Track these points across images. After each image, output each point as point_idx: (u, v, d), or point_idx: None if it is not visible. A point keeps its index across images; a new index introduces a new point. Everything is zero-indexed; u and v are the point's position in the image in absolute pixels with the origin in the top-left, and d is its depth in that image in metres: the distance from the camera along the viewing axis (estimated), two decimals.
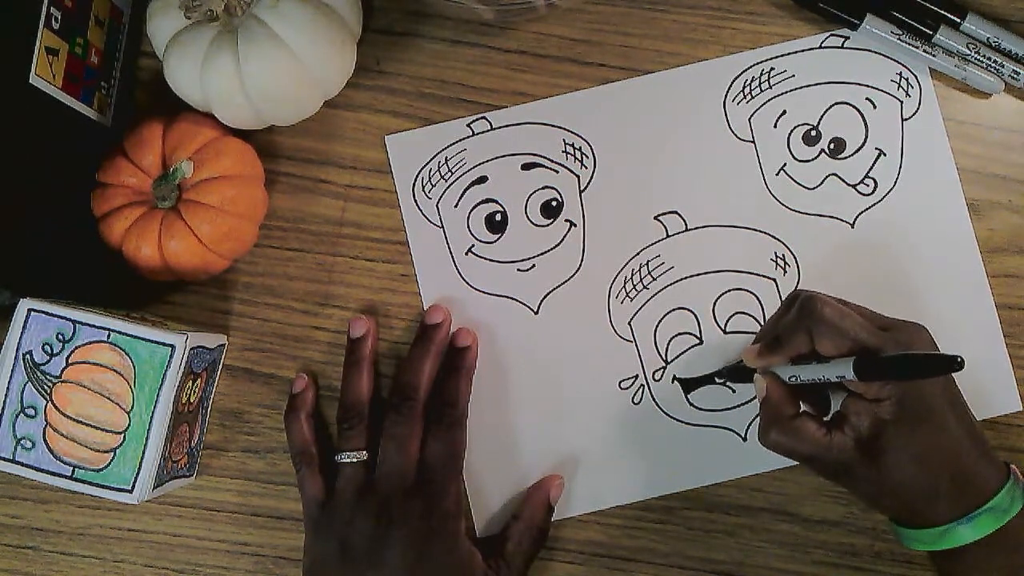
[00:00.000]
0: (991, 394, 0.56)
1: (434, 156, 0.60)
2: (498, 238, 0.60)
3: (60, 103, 0.53)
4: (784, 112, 0.60)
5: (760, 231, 0.60)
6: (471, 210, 0.60)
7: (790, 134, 0.60)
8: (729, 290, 0.59)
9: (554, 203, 0.60)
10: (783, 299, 0.59)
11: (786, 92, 0.60)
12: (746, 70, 0.60)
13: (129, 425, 0.51)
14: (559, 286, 0.60)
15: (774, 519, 0.59)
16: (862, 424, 0.49)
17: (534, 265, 0.60)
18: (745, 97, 0.60)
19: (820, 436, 0.50)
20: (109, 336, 0.51)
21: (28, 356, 0.51)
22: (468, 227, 0.60)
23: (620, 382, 0.59)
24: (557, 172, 0.60)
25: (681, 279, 0.59)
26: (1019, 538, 0.49)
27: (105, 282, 0.58)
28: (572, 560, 0.59)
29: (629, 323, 0.59)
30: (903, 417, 0.49)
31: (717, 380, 0.58)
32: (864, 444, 0.49)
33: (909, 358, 0.47)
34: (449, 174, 0.60)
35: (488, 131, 0.60)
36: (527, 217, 0.60)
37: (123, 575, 0.60)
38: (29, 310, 0.51)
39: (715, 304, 0.59)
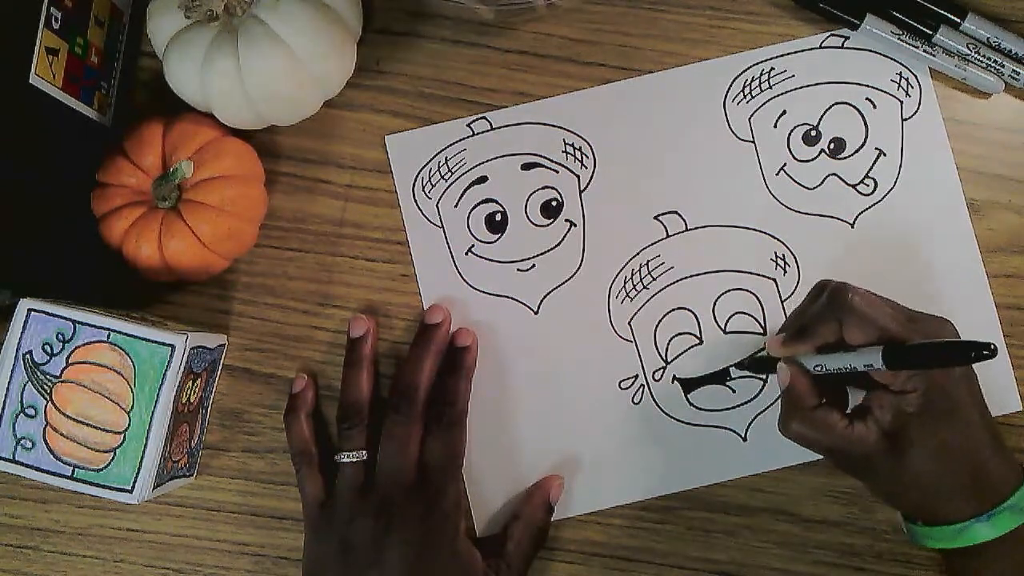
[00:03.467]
0: (991, 394, 0.56)
1: (434, 156, 0.60)
2: (498, 238, 0.60)
3: (60, 103, 0.53)
4: (784, 112, 0.60)
5: (760, 231, 0.60)
6: (471, 210, 0.60)
7: (790, 134, 0.60)
8: (729, 290, 0.59)
9: (554, 203, 0.60)
10: (782, 299, 0.59)
11: (786, 92, 0.60)
12: (746, 70, 0.60)
13: (129, 425, 0.51)
14: (559, 286, 0.60)
15: (774, 519, 0.59)
16: (885, 417, 0.49)
17: (534, 265, 0.60)
18: (745, 97, 0.60)
19: (842, 427, 0.50)
20: (109, 336, 0.51)
21: (28, 356, 0.51)
22: (468, 227, 0.60)
23: (620, 382, 0.59)
24: (557, 172, 0.60)
25: (681, 279, 0.59)
26: None
27: (105, 282, 0.58)
28: (572, 560, 0.59)
29: (629, 323, 0.59)
30: (927, 411, 0.49)
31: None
32: (887, 436, 0.49)
33: (941, 346, 0.47)
34: (449, 174, 0.60)
35: (488, 131, 0.60)
36: (527, 217, 0.60)
37: (123, 575, 0.60)
38: (29, 310, 0.51)
39: (715, 304, 0.59)
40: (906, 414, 0.49)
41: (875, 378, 0.50)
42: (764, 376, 0.59)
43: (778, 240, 0.59)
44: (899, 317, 0.50)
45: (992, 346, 0.44)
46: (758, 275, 0.59)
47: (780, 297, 0.59)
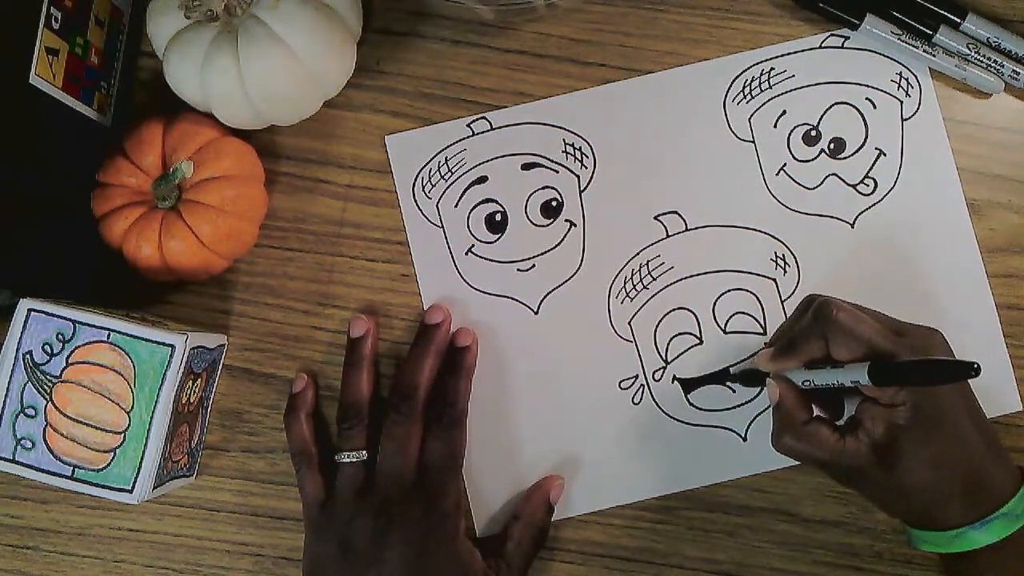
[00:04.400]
0: (991, 394, 0.56)
1: (434, 156, 0.60)
2: (498, 238, 0.60)
3: (60, 103, 0.53)
4: (784, 112, 0.60)
5: (760, 231, 0.60)
6: (471, 210, 0.60)
7: (790, 134, 0.60)
8: (729, 290, 0.59)
9: (554, 203, 0.60)
10: (782, 299, 0.59)
11: (786, 92, 0.60)
12: (746, 70, 0.60)
13: (129, 425, 0.51)
14: (559, 286, 0.60)
15: (774, 519, 0.59)
16: (876, 429, 0.49)
17: (534, 265, 0.60)
18: (745, 97, 0.60)
19: (834, 441, 0.50)
20: (109, 336, 0.51)
21: (28, 356, 0.51)
22: (468, 227, 0.60)
23: (620, 382, 0.59)
24: (557, 172, 0.60)
25: (681, 279, 0.59)
26: None
27: (105, 282, 0.58)
28: (572, 560, 0.59)
29: (629, 323, 0.59)
30: (918, 422, 0.49)
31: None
32: (878, 449, 0.49)
33: (925, 364, 0.47)
34: (449, 174, 0.60)
35: (488, 131, 0.60)
36: (527, 217, 0.60)
37: (123, 575, 0.60)
38: (29, 310, 0.51)
39: (715, 304, 0.59)
40: (897, 426, 0.49)
41: (864, 391, 0.50)
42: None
43: (778, 240, 0.59)
44: (885, 331, 0.49)
45: (976, 365, 0.44)
46: (758, 275, 0.59)
47: (780, 297, 0.59)
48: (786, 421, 0.51)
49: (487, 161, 0.60)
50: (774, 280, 0.59)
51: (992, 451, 0.50)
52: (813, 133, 0.60)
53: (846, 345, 0.49)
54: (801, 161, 0.60)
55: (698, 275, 0.59)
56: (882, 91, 0.60)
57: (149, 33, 0.55)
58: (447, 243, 0.60)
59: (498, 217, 0.60)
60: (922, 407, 0.49)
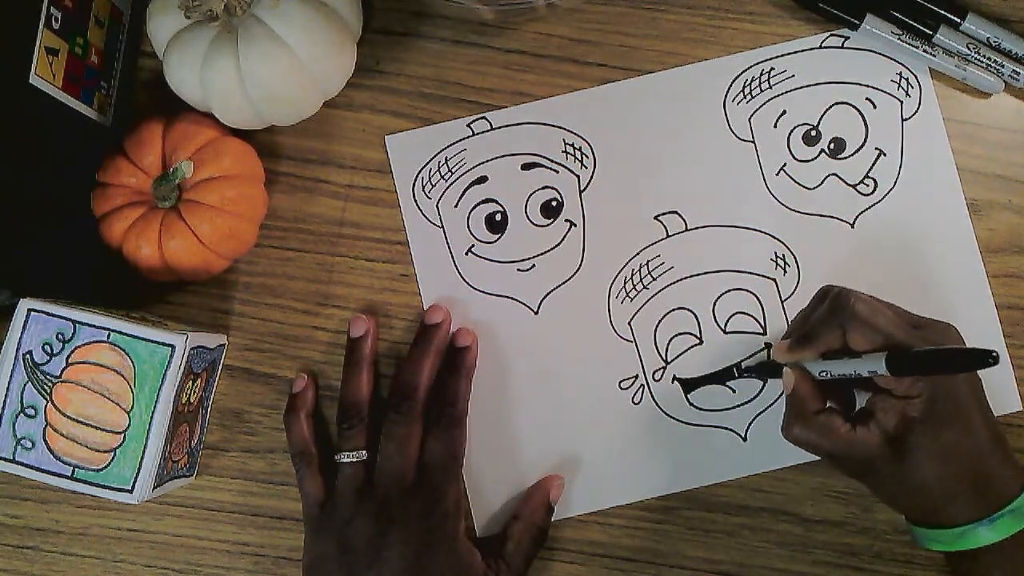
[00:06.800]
0: (991, 394, 0.56)
1: (434, 156, 0.60)
2: (498, 238, 0.60)
3: (60, 103, 0.53)
4: (784, 112, 0.60)
5: (760, 231, 0.60)
6: (471, 210, 0.60)
7: (790, 134, 0.60)
8: (729, 290, 0.59)
9: (554, 203, 0.60)
10: (782, 299, 0.59)
11: (786, 92, 0.60)
12: (746, 70, 0.60)
13: (129, 425, 0.51)
14: (559, 286, 0.60)
15: (774, 519, 0.59)
16: (889, 421, 0.49)
17: (534, 265, 0.60)
18: (745, 97, 0.60)
19: (845, 432, 0.50)
20: (109, 336, 0.51)
21: (28, 356, 0.51)
22: (468, 227, 0.60)
23: (620, 382, 0.59)
24: (557, 172, 0.60)
25: (681, 279, 0.59)
26: None
27: (105, 282, 0.58)
28: (572, 560, 0.59)
29: (629, 323, 0.59)
30: (931, 416, 0.49)
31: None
32: (890, 441, 0.49)
33: (943, 352, 0.47)
34: (449, 174, 0.60)
35: (488, 131, 0.60)
36: (527, 217, 0.60)
37: (123, 575, 0.60)
38: (29, 310, 0.51)
39: (715, 304, 0.59)
40: (910, 419, 0.49)
41: (879, 383, 0.50)
42: (764, 380, 0.58)
43: (778, 240, 0.59)
44: (902, 323, 0.50)
45: (995, 354, 0.44)
46: (758, 275, 0.59)
47: (780, 297, 0.59)
48: (798, 411, 0.51)
49: (487, 161, 0.60)
50: (774, 280, 0.59)
51: (1000, 449, 0.50)
52: (813, 133, 0.60)
53: (864, 335, 0.49)
54: (801, 161, 0.60)
55: (698, 275, 0.59)
56: (882, 91, 0.60)
57: (149, 33, 0.55)
58: (447, 243, 0.60)
59: (498, 217, 0.60)
60: (936, 400, 0.49)
